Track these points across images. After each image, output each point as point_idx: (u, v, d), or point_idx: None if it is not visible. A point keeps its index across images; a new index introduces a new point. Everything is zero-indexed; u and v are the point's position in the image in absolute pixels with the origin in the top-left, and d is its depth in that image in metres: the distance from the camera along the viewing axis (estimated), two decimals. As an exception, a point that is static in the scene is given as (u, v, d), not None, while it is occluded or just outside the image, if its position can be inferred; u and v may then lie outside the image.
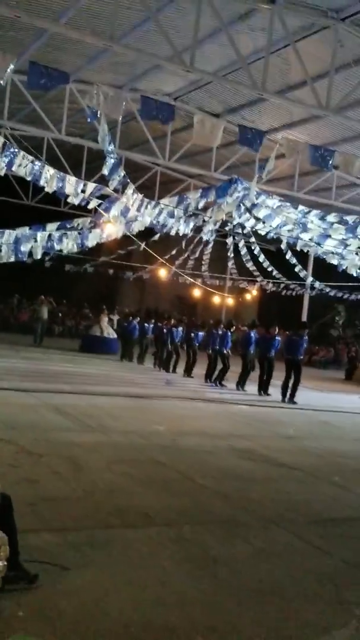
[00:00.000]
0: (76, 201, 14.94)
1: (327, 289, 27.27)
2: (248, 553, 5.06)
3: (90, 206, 15.29)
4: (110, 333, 23.94)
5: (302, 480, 7.75)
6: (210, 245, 27.52)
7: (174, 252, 25.88)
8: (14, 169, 12.96)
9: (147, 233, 20.10)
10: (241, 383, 16.78)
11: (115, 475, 6.90)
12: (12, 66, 10.37)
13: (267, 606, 4.15)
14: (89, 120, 11.43)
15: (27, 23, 12.12)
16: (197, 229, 21.47)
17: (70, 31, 12.20)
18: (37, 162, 13.44)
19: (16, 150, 12.78)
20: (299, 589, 4.49)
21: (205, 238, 23.30)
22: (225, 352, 17.47)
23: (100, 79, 15.02)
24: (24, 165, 12.95)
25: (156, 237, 22.84)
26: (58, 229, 16.70)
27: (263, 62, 11.95)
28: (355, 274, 20.33)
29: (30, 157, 13.07)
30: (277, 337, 16.88)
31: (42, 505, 5.58)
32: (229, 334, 17.86)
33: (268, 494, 6.86)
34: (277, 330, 16.96)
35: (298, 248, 19.71)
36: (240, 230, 23.77)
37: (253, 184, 15.22)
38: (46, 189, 14.13)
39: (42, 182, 13.48)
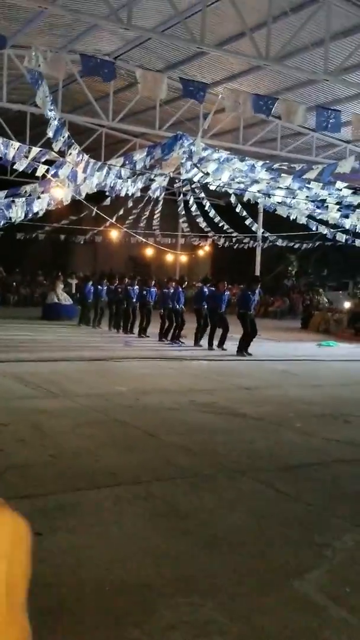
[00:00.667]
0: (21, 167, 14.69)
1: (279, 240, 27.52)
2: (216, 504, 5.22)
3: (38, 173, 15.04)
4: (66, 299, 23.85)
5: (265, 429, 7.96)
6: (160, 203, 27.40)
7: (121, 212, 25.60)
8: None
9: (97, 197, 19.89)
10: (198, 339, 16.96)
11: (81, 438, 7.00)
12: None
13: (238, 554, 4.29)
14: (30, 81, 11.16)
15: None
16: (146, 188, 21.33)
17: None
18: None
19: None
20: (269, 534, 4.65)
21: (153, 196, 23.16)
22: (178, 308, 17.54)
23: (38, 43, 14.65)
24: None
25: (107, 201, 22.64)
26: (6, 197, 16.44)
27: (200, 15, 11.83)
28: (304, 223, 20.57)
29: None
30: (226, 293, 17.06)
31: (9, 473, 5.65)
32: (181, 290, 17.92)
33: (232, 445, 7.04)
34: (225, 285, 17.11)
35: (246, 199, 19.78)
36: (189, 186, 23.67)
37: (198, 137, 15.15)
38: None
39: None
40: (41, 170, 14.81)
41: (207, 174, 17.41)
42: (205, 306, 16.99)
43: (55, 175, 14.96)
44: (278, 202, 19.47)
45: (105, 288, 21.37)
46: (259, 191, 17.94)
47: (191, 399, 9.59)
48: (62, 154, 14.25)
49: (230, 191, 19.29)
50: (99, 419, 8.02)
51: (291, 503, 5.37)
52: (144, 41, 15.96)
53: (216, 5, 13.05)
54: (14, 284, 31.30)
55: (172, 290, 17.77)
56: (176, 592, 3.73)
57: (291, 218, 20.26)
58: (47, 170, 14.93)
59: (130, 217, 26.95)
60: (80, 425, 7.57)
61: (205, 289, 17.41)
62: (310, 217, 20.64)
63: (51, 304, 23.79)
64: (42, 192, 16.39)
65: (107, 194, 19.53)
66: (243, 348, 15.41)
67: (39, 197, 16.26)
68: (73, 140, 13.61)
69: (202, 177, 18.05)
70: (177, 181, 22.94)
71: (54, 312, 23.27)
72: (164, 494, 5.36)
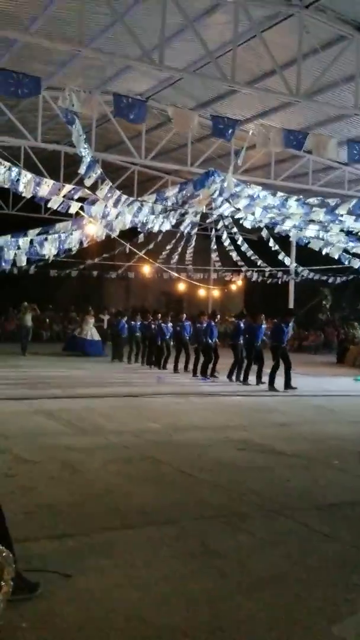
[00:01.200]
0: (55, 205, 14.92)
1: (312, 274, 27.37)
2: (251, 544, 5.07)
3: (72, 210, 15.26)
4: (93, 334, 23.79)
5: (300, 467, 7.79)
6: (193, 239, 27.55)
7: (151, 246, 25.74)
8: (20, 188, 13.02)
9: (129, 233, 20.10)
10: (233, 374, 16.82)
11: (112, 475, 6.91)
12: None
13: (274, 596, 4.14)
14: (64, 120, 11.40)
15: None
16: (178, 224, 21.51)
17: (40, 39, 12.27)
18: (14, 169, 13.40)
19: (14, 169, 12.79)
20: (305, 576, 4.48)
21: (185, 231, 23.31)
22: (210, 343, 17.44)
23: (71, 84, 15.01)
24: (1, 172, 12.92)
25: (140, 236, 22.85)
26: (39, 234, 16.72)
27: (231, 54, 11.99)
28: (337, 257, 20.45)
29: (7, 164, 13.02)
30: (263, 326, 16.93)
31: (40, 512, 5.58)
32: (214, 325, 17.82)
33: (267, 483, 6.88)
34: (263, 317, 16.98)
35: (278, 233, 19.76)
36: (222, 222, 23.77)
37: (229, 174, 15.25)
38: (24, 194, 14.09)
39: (20, 188, 13.44)
40: (74, 207, 15.02)
41: (239, 209, 17.51)
42: (241, 341, 16.82)
43: (88, 212, 15.18)
44: (311, 236, 19.44)
45: (139, 324, 21.39)
46: (293, 226, 17.94)
47: (225, 436, 9.46)
48: (94, 191, 14.45)
49: (262, 225, 19.30)
50: (131, 456, 7.93)
51: (328, 543, 5.20)
52: (175, 81, 16.24)
53: (247, 44, 13.21)
54: (47, 320, 31.56)
55: (204, 325, 17.71)
56: (210, 636, 3.60)
57: (324, 252, 20.17)
58: (81, 208, 15.15)
59: (163, 253, 27.11)
60: (111, 462, 7.49)
61: (242, 324, 17.25)
62: (343, 250, 20.53)
63: (75, 337, 23.80)
64: (75, 230, 16.65)
65: (139, 229, 19.75)
66: (274, 382, 15.24)
67: (72, 234, 16.52)
68: (105, 177, 13.79)
69: (233, 211, 18.16)
70: (209, 216, 23.07)
71: (77, 346, 23.24)
72: (197, 533, 5.24)
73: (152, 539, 5.04)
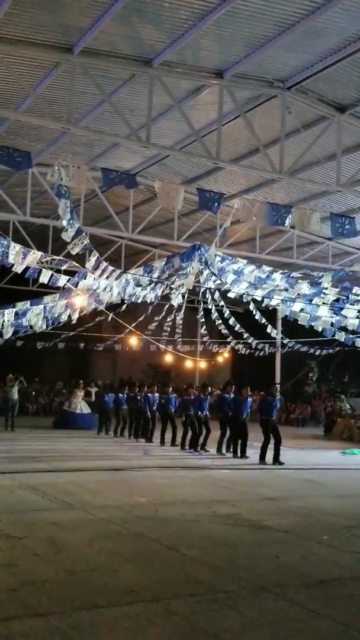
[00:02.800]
0: (45, 279, 15.05)
1: (298, 346, 27.47)
2: (240, 623, 4.91)
3: (60, 283, 15.38)
4: (82, 408, 23.58)
5: (290, 542, 7.62)
6: (182, 311, 27.71)
7: (142, 318, 25.88)
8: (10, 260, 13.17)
9: (116, 305, 20.23)
10: (221, 447, 16.66)
11: (97, 552, 6.72)
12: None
13: None
14: (54, 194, 11.63)
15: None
16: (165, 297, 21.70)
17: (29, 117, 12.67)
18: (3, 241, 13.53)
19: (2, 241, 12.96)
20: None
21: (175, 304, 23.46)
22: (201, 416, 17.32)
23: (61, 160, 15.44)
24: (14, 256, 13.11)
25: (123, 307, 22.97)
26: (30, 306, 16.84)
27: (216, 133, 12.41)
28: (320, 330, 20.57)
29: (7, 240, 13.16)
30: (248, 399, 16.89)
31: (24, 589, 5.40)
32: (204, 397, 17.72)
33: (256, 560, 6.71)
34: (248, 391, 16.96)
35: (265, 306, 19.93)
36: (209, 295, 23.98)
37: (213, 246, 15.53)
38: (15, 269, 14.22)
39: (10, 259, 13.55)
40: (62, 281, 15.15)
41: (226, 283, 17.74)
42: (230, 413, 16.72)
43: (76, 285, 15.31)
44: (299, 310, 19.64)
45: (125, 396, 21.22)
46: (282, 300, 18.12)
47: (213, 510, 9.27)
48: (82, 264, 14.60)
49: (249, 299, 19.48)
50: (117, 531, 7.74)
51: (319, 621, 5.04)
52: (162, 158, 16.70)
53: (231, 123, 13.69)
54: (33, 393, 31.27)
55: (192, 397, 17.61)
56: None
57: (315, 327, 20.30)
58: (69, 280, 15.28)
59: (151, 325, 27.19)
60: (96, 538, 7.29)
61: (227, 395, 17.17)
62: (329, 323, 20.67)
63: (65, 411, 23.57)
64: (64, 302, 16.77)
65: (125, 301, 19.88)
66: (265, 456, 15.10)
67: (60, 307, 16.63)
68: (92, 247, 13.92)
69: (219, 284, 18.38)
70: (197, 290, 23.31)
71: (69, 420, 22.98)
72: (185, 612, 5.07)
73: (139, 617, 4.88)
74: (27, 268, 14.43)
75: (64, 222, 12.49)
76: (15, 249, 13.50)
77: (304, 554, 7.10)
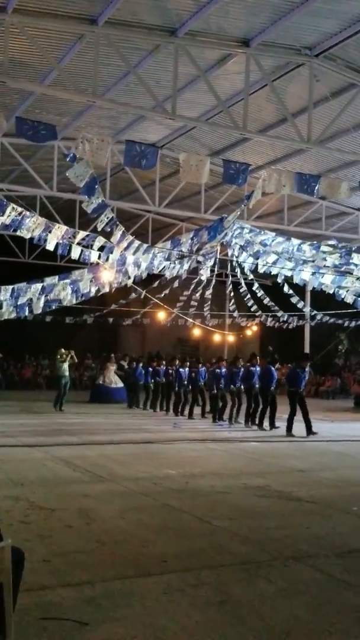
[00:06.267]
0: (76, 255, 15.09)
1: (327, 318, 27.24)
2: (271, 593, 4.94)
3: (92, 259, 15.42)
4: (117, 382, 23.75)
5: (320, 513, 7.62)
6: (212, 285, 27.58)
7: (167, 291, 25.82)
8: (22, 232, 13.16)
9: (145, 279, 20.22)
10: (251, 419, 16.72)
11: (128, 523, 6.81)
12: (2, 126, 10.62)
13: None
14: (67, 160, 11.45)
15: (12, 88, 12.54)
16: (193, 271, 21.64)
17: (55, 91, 12.60)
18: (28, 214, 13.46)
19: (27, 213, 12.90)
20: (328, 625, 4.36)
21: (204, 278, 23.38)
22: (233, 389, 17.36)
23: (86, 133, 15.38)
24: (27, 228, 13.05)
25: (155, 284, 22.96)
26: (58, 281, 16.92)
27: (243, 103, 12.23)
28: (350, 301, 20.38)
29: (19, 209, 13.06)
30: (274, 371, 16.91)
31: (56, 560, 5.50)
32: (236, 370, 17.69)
33: (286, 530, 6.74)
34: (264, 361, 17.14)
35: (295, 281, 19.79)
36: (238, 269, 23.84)
37: (233, 215, 15.31)
38: (48, 247, 14.28)
39: (45, 236, 13.54)
40: (94, 256, 15.17)
41: (255, 255, 17.63)
42: (257, 385, 16.74)
43: (104, 259, 15.32)
44: (325, 283, 19.47)
45: (151, 370, 21.28)
46: (312, 273, 17.97)
47: (243, 482, 9.31)
48: (108, 238, 14.56)
49: (280, 273, 19.33)
50: (147, 503, 7.83)
51: (349, 591, 5.05)
52: (188, 130, 16.53)
53: (258, 93, 13.47)
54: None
55: (223, 370, 17.65)
56: None
57: (341, 297, 20.13)
58: (99, 257, 15.30)
59: (180, 300, 27.17)
60: (128, 510, 7.38)
61: (253, 368, 17.14)
62: (357, 294, 20.49)
63: (100, 386, 23.78)
64: (91, 277, 16.82)
65: (161, 274, 19.84)
66: (292, 427, 15.09)
67: (91, 280, 16.68)
68: (117, 222, 13.85)
69: (251, 260, 18.27)
70: (225, 263, 23.19)
71: (103, 394, 23.24)
72: (216, 582, 5.12)
73: (170, 588, 4.94)
74: (57, 245, 14.47)
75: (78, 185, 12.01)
76: (37, 221, 13.36)
77: (333, 524, 7.11)
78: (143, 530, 6.59)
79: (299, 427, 15.09)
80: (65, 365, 20.35)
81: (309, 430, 15.07)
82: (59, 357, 20.58)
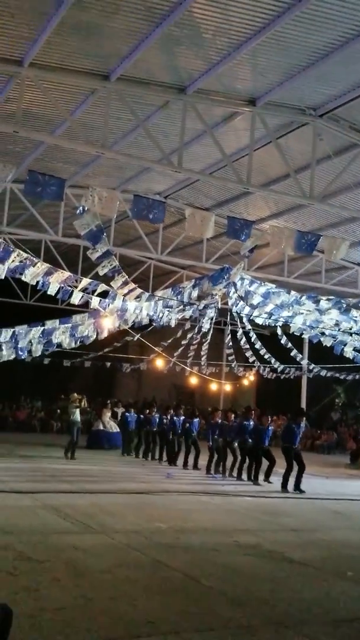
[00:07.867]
0: (77, 300, 15.25)
1: (324, 371, 27.21)
2: (259, 661, 4.84)
3: (93, 305, 15.55)
4: (112, 427, 23.54)
5: (313, 577, 7.49)
6: (210, 333, 27.65)
7: (170, 341, 25.92)
8: (25, 277, 13.29)
9: (142, 325, 20.27)
10: (240, 473, 16.57)
11: (117, 580, 6.69)
12: (10, 175, 10.78)
13: None
14: (77, 212, 11.63)
15: (24, 137, 12.81)
16: (193, 319, 21.75)
17: (65, 142, 12.89)
18: (31, 260, 13.58)
19: (31, 260, 13.04)
20: None
21: (205, 329, 23.52)
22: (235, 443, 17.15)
23: (93, 183, 15.60)
24: (31, 273, 13.20)
25: (149, 328, 23.03)
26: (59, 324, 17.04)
27: (247, 158, 12.45)
28: (350, 356, 20.42)
29: (24, 254, 13.17)
30: (270, 428, 16.83)
31: (42, 616, 5.38)
32: (229, 424, 17.54)
33: (277, 594, 6.62)
34: (269, 419, 16.85)
35: (292, 332, 19.85)
36: (237, 319, 23.94)
37: (238, 267, 15.49)
38: (49, 292, 14.46)
39: (48, 281, 13.68)
40: (94, 302, 15.30)
41: (254, 306, 17.72)
42: (250, 441, 16.55)
43: (105, 306, 15.42)
44: (323, 334, 19.54)
45: (142, 417, 21.13)
46: (309, 326, 18.04)
47: (235, 539, 9.18)
48: (109, 283, 14.65)
49: (278, 323, 19.42)
50: (137, 558, 7.70)
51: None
52: (193, 182, 16.78)
53: (262, 149, 13.73)
54: (58, 411, 31.40)
55: (218, 422, 17.56)
56: None
57: (340, 351, 20.18)
58: (100, 302, 15.43)
59: (179, 348, 27.16)
60: (117, 565, 7.26)
61: (247, 423, 16.94)
62: (355, 349, 20.54)
63: (97, 431, 23.57)
64: (91, 322, 16.91)
65: (153, 323, 19.95)
66: (287, 484, 14.91)
67: (88, 325, 16.78)
68: (120, 268, 13.94)
69: (245, 308, 18.38)
70: (224, 312, 23.29)
71: (100, 439, 23.04)
72: (204, 647, 5.01)
73: (157, 652, 4.83)
74: (59, 289, 14.61)
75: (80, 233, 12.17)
76: (40, 267, 13.46)
77: (326, 589, 6.99)
78: (131, 587, 6.47)
79: (290, 481, 14.94)
80: (77, 412, 19.55)
81: (297, 486, 14.87)
82: (72, 402, 19.79)
